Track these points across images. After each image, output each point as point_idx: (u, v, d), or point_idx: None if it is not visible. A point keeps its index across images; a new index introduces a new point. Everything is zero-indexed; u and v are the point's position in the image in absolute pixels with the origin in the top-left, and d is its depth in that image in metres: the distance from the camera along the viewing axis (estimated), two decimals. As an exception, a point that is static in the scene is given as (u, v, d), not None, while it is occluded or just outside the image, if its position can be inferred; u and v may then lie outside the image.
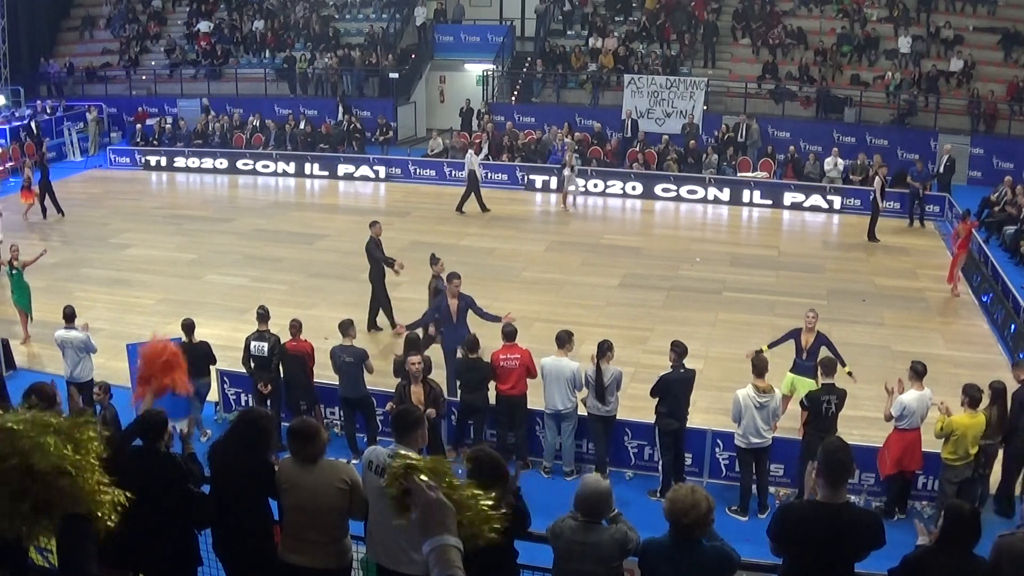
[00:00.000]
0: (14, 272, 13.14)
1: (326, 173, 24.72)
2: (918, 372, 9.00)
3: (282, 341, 10.41)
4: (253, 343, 10.34)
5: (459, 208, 20.80)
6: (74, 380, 10.27)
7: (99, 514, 3.51)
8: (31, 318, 13.40)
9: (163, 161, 25.75)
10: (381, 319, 13.49)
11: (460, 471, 5.08)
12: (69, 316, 10.59)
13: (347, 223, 20.52)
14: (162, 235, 19.10)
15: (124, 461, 5.07)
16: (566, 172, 21.35)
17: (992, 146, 23.59)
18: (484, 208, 20.90)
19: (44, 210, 20.20)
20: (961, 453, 8.56)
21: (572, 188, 21.52)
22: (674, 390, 9.28)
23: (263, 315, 10.49)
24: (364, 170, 24.62)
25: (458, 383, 10.17)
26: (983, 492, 9.07)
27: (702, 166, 23.24)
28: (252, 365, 10.39)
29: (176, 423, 10.49)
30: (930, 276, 16.61)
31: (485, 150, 24.71)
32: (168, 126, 26.94)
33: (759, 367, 8.98)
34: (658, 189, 22.61)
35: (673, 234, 20.30)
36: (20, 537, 3.56)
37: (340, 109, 26.80)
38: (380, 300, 13.49)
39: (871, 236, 18.71)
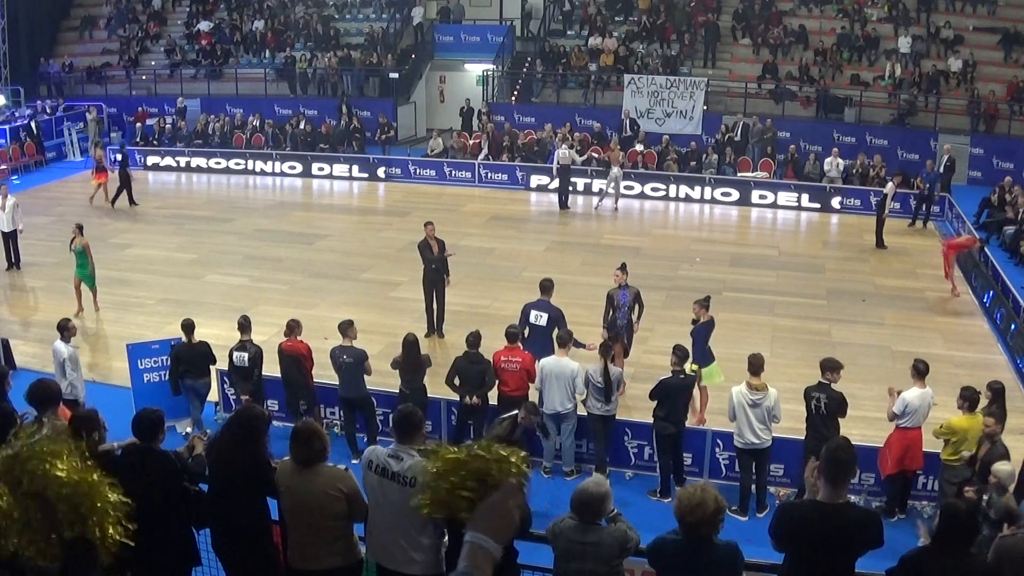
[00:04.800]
0: (76, 249, 14.13)
1: (327, 173, 24.72)
2: (919, 371, 9.01)
3: (279, 341, 10.42)
4: (235, 354, 10.21)
5: (564, 205, 21.49)
6: (65, 397, 9.97)
7: (106, 541, 3.52)
8: (94, 294, 14.36)
9: (163, 161, 25.74)
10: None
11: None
12: (60, 328, 10.10)
13: (347, 223, 20.55)
14: (162, 235, 19.09)
15: (122, 460, 5.09)
16: (615, 170, 21.30)
17: (992, 146, 23.60)
18: (564, 205, 21.43)
19: (116, 198, 21.16)
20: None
21: (619, 190, 21.44)
22: (672, 395, 9.28)
23: (244, 325, 10.35)
24: (364, 170, 24.63)
25: (456, 380, 10.10)
26: (983, 492, 9.07)
27: (702, 166, 23.25)
28: (234, 375, 10.26)
29: (176, 423, 10.56)
30: (930, 276, 16.60)
31: (485, 150, 24.77)
32: (168, 126, 26.94)
33: (755, 365, 8.98)
34: (658, 189, 22.63)
35: (673, 234, 20.31)
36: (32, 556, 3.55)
37: (343, 109, 26.77)
38: (436, 302, 13.45)
39: (879, 243, 18.53)
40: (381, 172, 24.49)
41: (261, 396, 10.35)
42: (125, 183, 21.24)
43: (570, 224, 20.73)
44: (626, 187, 22.24)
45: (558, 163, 21.64)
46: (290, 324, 10.30)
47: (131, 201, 21.41)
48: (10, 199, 16.51)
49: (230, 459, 5.13)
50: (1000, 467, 6.99)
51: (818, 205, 21.62)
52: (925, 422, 8.98)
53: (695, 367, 10.20)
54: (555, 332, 10.63)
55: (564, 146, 22.08)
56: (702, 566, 4.52)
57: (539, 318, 10.97)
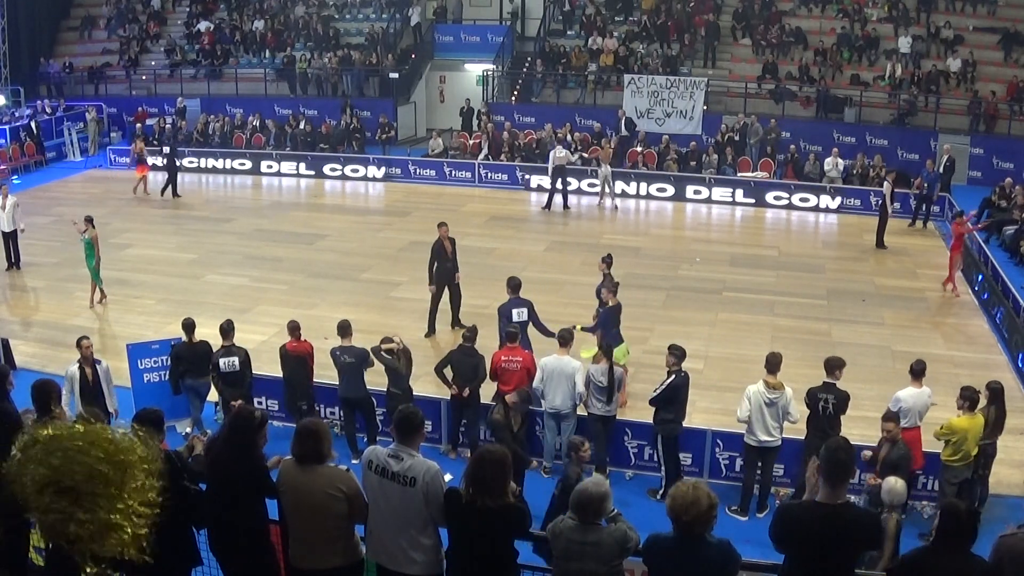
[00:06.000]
0: (85, 240, 14.59)
1: (326, 173, 24.73)
2: (915, 370, 9.03)
3: (283, 342, 10.44)
4: (222, 360, 9.94)
5: (565, 205, 21.50)
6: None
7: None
8: (99, 287, 14.78)
9: (163, 161, 25.70)
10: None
11: (458, 472, 5.08)
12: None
13: (347, 223, 20.54)
14: (162, 235, 19.10)
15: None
16: (604, 169, 21.38)
17: (992, 146, 23.60)
18: (564, 205, 21.50)
19: (165, 189, 22.35)
20: (962, 455, 8.56)
21: (611, 188, 21.55)
22: (680, 396, 9.29)
23: (228, 330, 10.15)
24: (364, 170, 24.64)
25: (448, 370, 10.10)
26: (983, 492, 9.08)
27: (702, 166, 23.25)
28: (220, 383, 10.03)
29: (176, 423, 10.55)
30: (930, 276, 16.61)
31: (485, 150, 24.77)
32: (168, 126, 26.93)
33: (772, 363, 8.97)
34: (657, 189, 22.63)
35: (673, 234, 20.31)
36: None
37: (348, 111, 26.74)
38: (451, 297, 13.81)
39: (880, 243, 18.53)
40: (381, 172, 24.46)
41: (249, 399, 10.16)
42: (171, 174, 22.29)
43: (570, 224, 20.73)
44: (638, 188, 22.38)
45: (553, 163, 21.62)
46: (292, 325, 10.31)
47: (174, 193, 22.41)
48: (10, 199, 16.53)
49: (226, 461, 5.15)
50: (886, 482, 6.95)
51: (818, 205, 21.61)
52: (923, 422, 8.97)
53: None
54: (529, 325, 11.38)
55: (559, 146, 22.06)
56: (695, 564, 4.51)
57: (521, 314, 11.49)
